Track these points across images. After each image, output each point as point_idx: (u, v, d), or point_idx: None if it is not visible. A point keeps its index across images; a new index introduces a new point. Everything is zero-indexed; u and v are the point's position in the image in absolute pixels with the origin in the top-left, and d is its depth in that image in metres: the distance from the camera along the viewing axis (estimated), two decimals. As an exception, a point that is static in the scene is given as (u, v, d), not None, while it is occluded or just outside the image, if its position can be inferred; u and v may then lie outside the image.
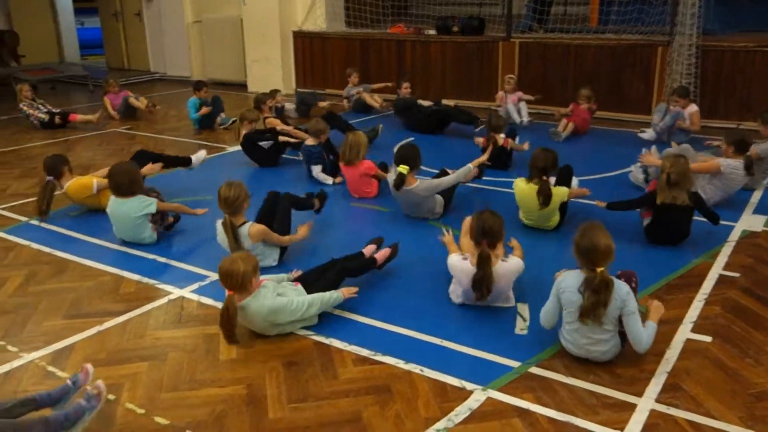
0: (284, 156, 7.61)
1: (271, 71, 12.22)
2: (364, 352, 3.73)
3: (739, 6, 10.93)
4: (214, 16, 13.07)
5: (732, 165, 5.72)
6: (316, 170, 6.74)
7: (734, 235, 5.24)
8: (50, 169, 5.83)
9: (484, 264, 3.92)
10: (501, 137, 6.92)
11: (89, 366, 3.31)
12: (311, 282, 4.17)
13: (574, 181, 5.93)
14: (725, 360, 3.60)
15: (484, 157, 6.14)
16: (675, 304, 4.20)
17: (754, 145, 6.23)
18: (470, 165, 5.75)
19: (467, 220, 4.45)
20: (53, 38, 16.19)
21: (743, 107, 8.78)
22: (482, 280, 3.92)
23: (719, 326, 3.93)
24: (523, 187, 5.26)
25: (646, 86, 9.36)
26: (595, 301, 3.37)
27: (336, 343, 3.84)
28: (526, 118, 8.92)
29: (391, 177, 5.56)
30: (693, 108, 7.89)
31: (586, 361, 3.58)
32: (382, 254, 4.59)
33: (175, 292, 4.51)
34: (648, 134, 7.94)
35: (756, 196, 6.12)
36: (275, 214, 5.01)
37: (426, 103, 9.04)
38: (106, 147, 8.57)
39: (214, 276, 4.66)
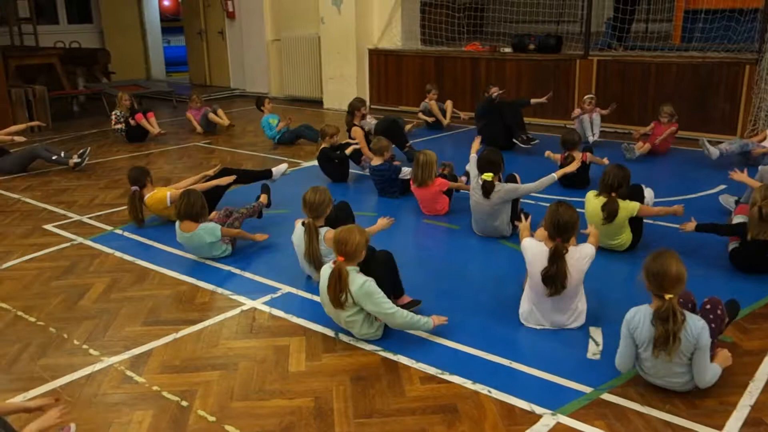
0: (353, 171, 7.70)
1: (346, 88, 12.42)
2: (432, 371, 3.71)
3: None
4: (293, 35, 13.40)
5: None
6: (405, 171, 6.80)
7: (827, 263, 4.95)
8: (134, 180, 6.17)
9: (557, 259, 3.87)
10: (578, 153, 6.80)
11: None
12: None
13: (649, 193, 5.77)
14: (815, 396, 3.39)
15: (570, 168, 6.00)
16: (760, 335, 4.00)
17: None
18: (554, 174, 5.66)
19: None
20: (141, 56, 17.03)
21: (839, 129, 8.31)
22: (555, 275, 3.87)
23: (808, 359, 3.72)
24: (591, 200, 5.19)
25: (731, 106, 9.00)
26: (664, 331, 3.22)
27: (403, 360, 3.83)
28: (596, 136, 8.70)
29: (474, 188, 5.54)
30: None
31: (663, 390, 3.44)
32: (405, 298, 4.43)
33: (248, 303, 4.61)
34: (712, 151, 7.56)
35: None
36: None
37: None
38: (187, 160, 8.89)
39: (286, 288, 4.76)
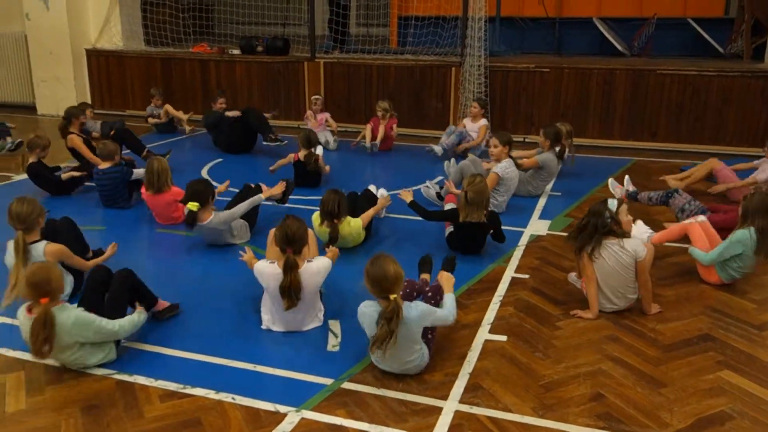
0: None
1: (63, 92, 11.38)
2: (172, 386, 3.57)
3: (522, 30, 12.07)
4: (-7, 32, 11.92)
5: (504, 166, 6.30)
6: (137, 173, 6.43)
7: (523, 240, 5.72)
8: None
9: (290, 270, 3.92)
10: (318, 152, 7.20)
11: None
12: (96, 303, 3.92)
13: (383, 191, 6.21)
14: (518, 356, 3.90)
15: (276, 191, 5.97)
16: (475, 308, 4.49)
17: (537, 154, 6.91)
18: (261, 195, 5.73)
19: (272, 232, 4.41)
20: None
21: (528, 122, 9.66)
22: (289, 286, 3.92)
23: (513, 325, 4.26)
24: (317, 224, 5.32)
25: (443, 104, 9.96)
26: (387, 331, 3.44)
27: (141, 379, 3.63)
28: (333, 145, 9.09)
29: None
30: (482, 122, 8.55)
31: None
32: (162, 303, 4.34)
33: (-51, 341, 4.01)
34: (437, 150, 8.36)
35: (541, 203, 6.75)
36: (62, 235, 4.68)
37: (232, 113, 8.88)
38: None
39: (-3, 319, 4.23)
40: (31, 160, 6.84)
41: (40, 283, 3.46)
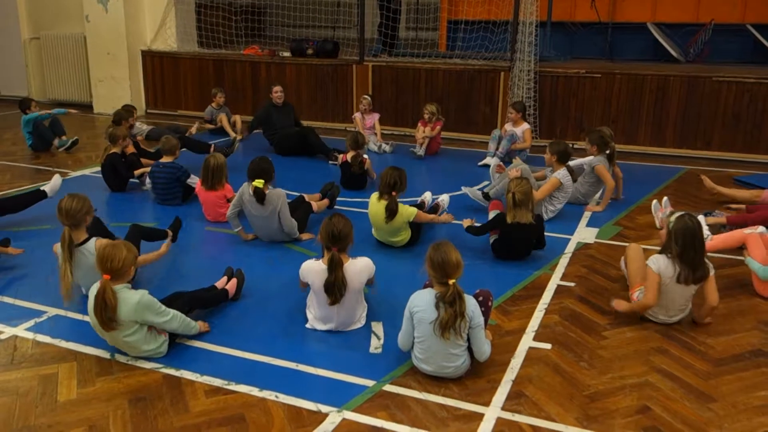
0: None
1: (119, 91, 11.69)
2: (217, 382, 3.63)
3: (572, 35, 11.92)
4: (55, 33, 12.34)
5: (564, 174, 6.22)
6: (193, 180, 6.61)
7: (570, 247, 5.64)
8: None
9: (335, 268, 3.98)
10: (365, 156, 7.24)
11: None
12: None
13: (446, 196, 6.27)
14: (563, 365, 3.84)
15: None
16: (519, 315, 4.44)
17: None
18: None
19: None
20: None
21: (577, 128, 9.52)
22: (334, 283, 3.98)
23: (557, 333, 4.20)
24: (374, 202, 5.45)
25: (491, 109, 9.90)
26: (452, 313, 3.49)
27: (187, 374, 3.70)
28: (388, 148, 9.10)
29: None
30: (525, 126, 8.45)
31: (439, 377, 3.67)
32: (231, 285, 4.49)
33: (7, 330, 4.16)
34: (492, 162, 8.24)
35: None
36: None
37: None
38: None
39: (52, 311, 4.37)
40: (114, 150, 7.03)
41: (104, 259, 3.63)
